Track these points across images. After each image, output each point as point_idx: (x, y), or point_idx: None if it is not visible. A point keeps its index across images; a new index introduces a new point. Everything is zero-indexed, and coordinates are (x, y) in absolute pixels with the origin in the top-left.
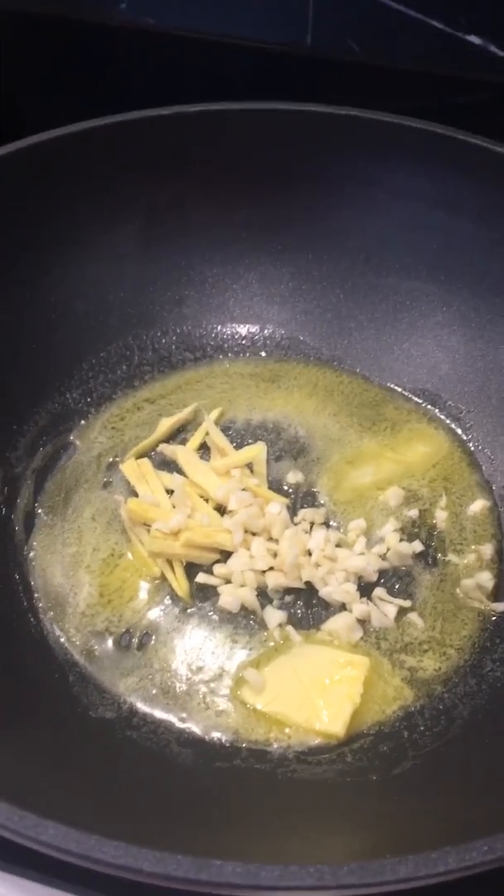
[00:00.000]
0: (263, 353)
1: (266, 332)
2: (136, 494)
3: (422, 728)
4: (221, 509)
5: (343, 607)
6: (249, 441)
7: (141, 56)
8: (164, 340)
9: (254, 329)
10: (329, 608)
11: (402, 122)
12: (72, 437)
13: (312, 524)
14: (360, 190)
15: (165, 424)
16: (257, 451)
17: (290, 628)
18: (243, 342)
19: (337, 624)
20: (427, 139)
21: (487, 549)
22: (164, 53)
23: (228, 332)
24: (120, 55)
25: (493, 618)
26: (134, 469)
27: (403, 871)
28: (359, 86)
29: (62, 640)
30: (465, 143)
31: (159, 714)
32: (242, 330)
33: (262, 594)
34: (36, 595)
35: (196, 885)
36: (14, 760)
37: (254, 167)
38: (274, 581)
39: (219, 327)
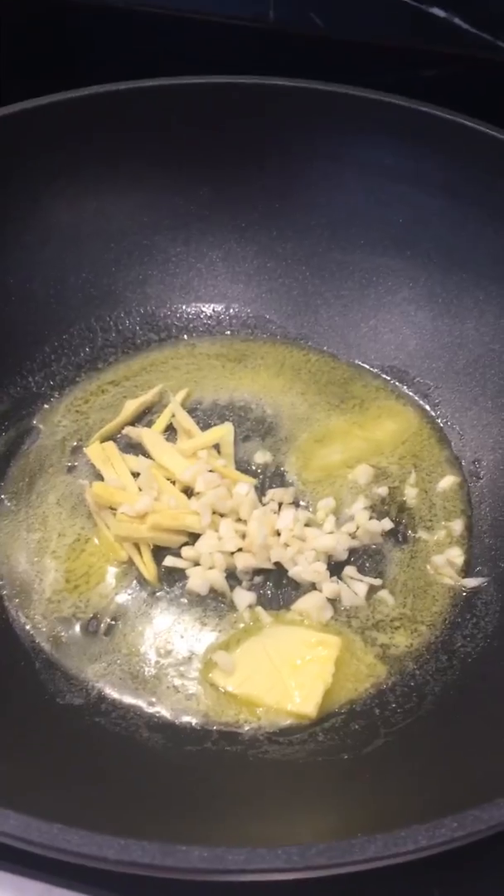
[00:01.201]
0: (229, 333)
1: (231, 310)
2: (101, 478)
3: (393, 705)
4: (189, 491)
5: (313, 587)
6: (216, 422)
7: (101, 32)
8: (127, 321)
9: (219, 308)
10: (299, 588)
11: (366, 95)
12: (35, 422)
13: (281, 504)
14: (324, 165)
15: (130, 407)
16: (224, 432)
17: (259, 609)
18: (209, 322)
19: (307, 603)
20: (392, 113)
21: (457, 525)
22: (123, 29)
23: (193, 312)
24: (78, 31)
25: (464, 593)
26: (99, 452)
27: (372, 850)
28: (324, 60)
29: (28, 627)
30: (429, 116)
31: (128, 699)
32: (207, 309)
33: (232, 576)
34: (0, 582)
35: (163, 871)
36: None
37: (217, 143)
38: (243, 562)
39: (183, 307)
